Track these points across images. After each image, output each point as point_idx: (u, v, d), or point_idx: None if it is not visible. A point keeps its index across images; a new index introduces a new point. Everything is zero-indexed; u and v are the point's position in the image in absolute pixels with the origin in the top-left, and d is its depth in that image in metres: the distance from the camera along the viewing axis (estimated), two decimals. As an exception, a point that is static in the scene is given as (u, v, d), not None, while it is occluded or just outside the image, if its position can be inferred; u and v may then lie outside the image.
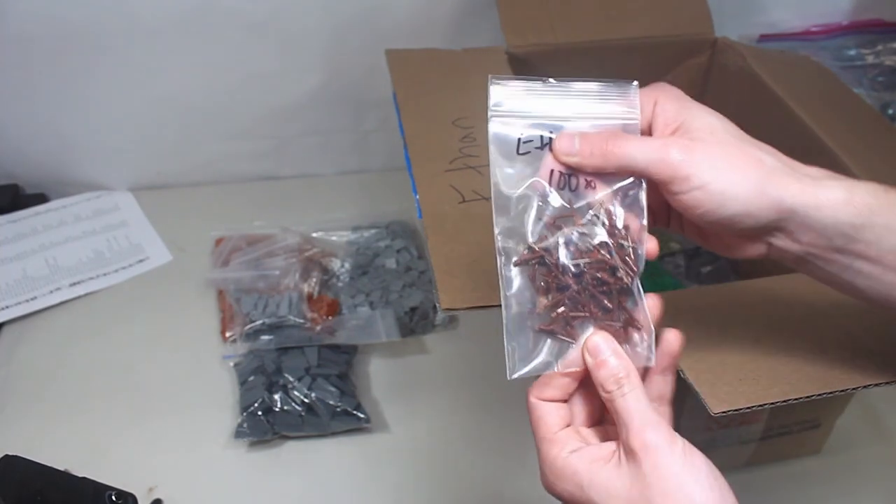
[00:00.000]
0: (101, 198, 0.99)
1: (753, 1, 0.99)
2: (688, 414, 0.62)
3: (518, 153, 0.39)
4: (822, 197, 0.37)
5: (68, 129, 0.93)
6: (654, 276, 0.78)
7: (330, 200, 0.99)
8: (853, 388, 0.47)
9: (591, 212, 0.39)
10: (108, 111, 0.93)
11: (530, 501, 0.69)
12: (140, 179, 1.00)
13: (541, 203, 0.39)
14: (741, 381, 0.46)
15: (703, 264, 0.82)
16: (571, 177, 0.39)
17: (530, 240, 0.39)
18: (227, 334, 0.79)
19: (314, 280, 0.83)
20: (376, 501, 0.69)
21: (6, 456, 0.55)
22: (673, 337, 0.39)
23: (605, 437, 0.40)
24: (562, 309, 0.38)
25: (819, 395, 0.46)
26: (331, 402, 0.72)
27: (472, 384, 0.79)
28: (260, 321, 0.77)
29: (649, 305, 0.40)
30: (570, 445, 0.38)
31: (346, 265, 0.87)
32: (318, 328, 0.77)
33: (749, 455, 0.69)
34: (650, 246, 0.40)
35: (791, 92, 0.71)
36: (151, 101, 0.93)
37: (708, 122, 0.39)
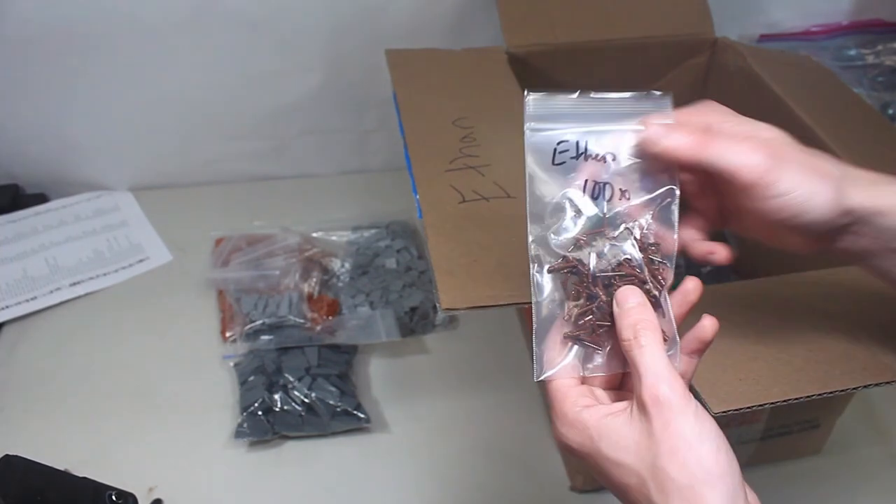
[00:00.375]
0: (101, 198, 0.99)
1: (753, 1, 0.99)
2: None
3: (553, 163, 0.41)
4: (885, 203, 0.40)
5: (68, 128, 0.93)
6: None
7: (330, 200, 0.99)
8: (853, 388, 0.47)
9: (623, 225, 0.40)
10: (108, 111, 0.93)
11: (530, 501, 0.69)
12: (140, 179, 1.00)
13: (574, 213, 0.40)
14: (741, 381, 0.46)
15: (703, 264, 0.82)
16: (606, 186, 0.40)
17: (562, 249, 0.40)
18: (227, 334, 0.79)
19: (314, 280, 0.83)
20: (376, 501, 0.69)
21: (6, 456, 0.55)
22: (709, 323, 0.40)
23: (618, 400, 0.40)
24: (589, 317, 0.39)
25: (819, 395, 0.46)
26: (331, 402, 0.72)
27: (472, 384, 0.79)
28: (260, 321, 0.77)
29: (689, 288, 0.41)
30: (583, 401, 0.38)
31: (346, 265, 0.87)
32: (318, 328, 0.77)
33: (749, 455, 0.69)
34: (723, 253, 0.42)
35: (791, 92, 0.71)
36: (151, 101, 0.93)
37: (776, 134, 0.41)
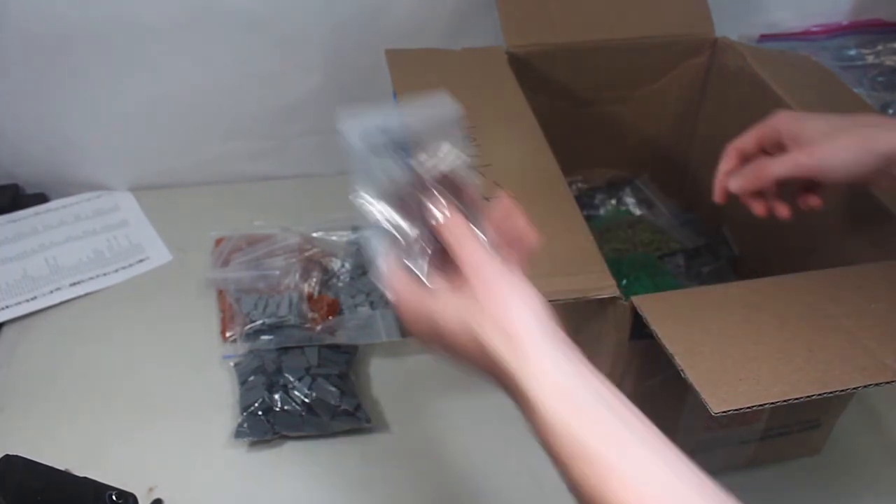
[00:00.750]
0: (102, 198, 0.99)
1: (753, 1, 0.99)
2: (688, 414, 0.62)
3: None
4: None
5: (68, 128, 0.93)
6: (655, 276, 0.78)
7: (330, 200, 0.99)
8: (853, 388, 0.47)
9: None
10: (108, 111, 0.93)
11: (530, 501, 0.69)
12: (140, 179, 1.00)
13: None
14: (741, 381, 0.46)
15: (703, 264, 0.82)
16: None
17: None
18: (227, 334, 0.79)
19: (314, 280, 0.83)
20: (376, 501, 0.69)
21: (6, 456, 0.55)
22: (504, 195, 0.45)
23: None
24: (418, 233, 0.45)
25: (819, 395, 0.46)
26: (331, 402, 0.72)
27: (472, 384, 0.78)
28: (260, 321, 0.77)
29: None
30: (418, 296, 0.43)
31: (346, 265, 0.87)
32: (319, 328, 0.77)
33: (749, 455, 0.69)
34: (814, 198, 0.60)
35: (791, 92, 0.71)
36: (152, 100, 0.93)
37: (820, 124, 0.56)
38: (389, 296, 0.44)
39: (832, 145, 0.53)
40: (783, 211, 0.59)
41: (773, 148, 0.58)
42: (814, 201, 0.59)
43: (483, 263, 0.41)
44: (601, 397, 0.36)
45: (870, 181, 0.56)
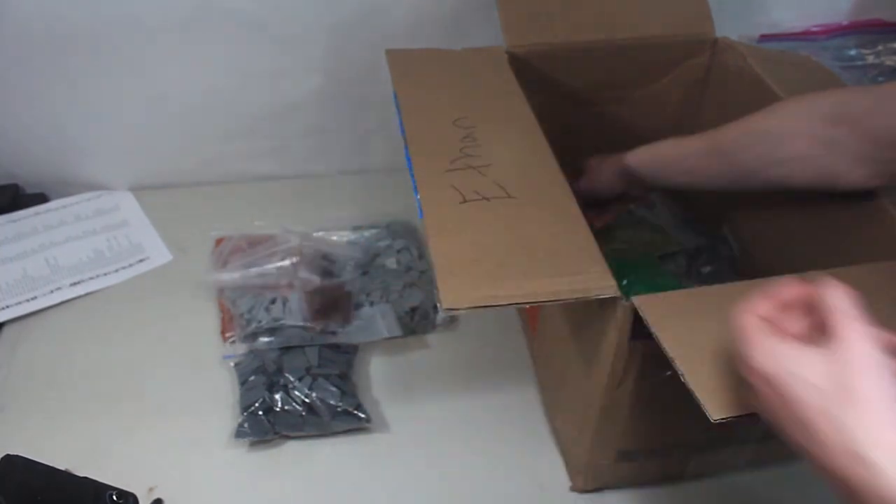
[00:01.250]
0: (102, 198, 0.99)
1: (753, 1, 0.99)
2: (687, 415, 0.62)
3: None
4: None
5: (68, 128, 0.93)
6: (655, 276, 0.78)
7: (330, 200, 0.99)
8: (853, 388, 0.46)
9: None
10: (108, 111, 0.93)
11: (530, 501, 0.69)
12: (140, 179, 1.00)
13: None
14: (741, 383, 0.46)
15: (703, 264, 0.82)
16: None
17: None
18: (227, 335, 0.79)
19: (314, 280, 0.83)
20: (376, 501, 0.69)
21: (6, 456, 0.55)
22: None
23: None
24: None
25: None
26: (331, 402, 0.72)
27: (472, 384, 0.79)
28: (259, 323, 0.77)
29: None
30: (775, 336, 0.41)
31: (347, 265, 0.87)
32: (319, 328, 0.77)
33: (749, 455, 0.69)
34: None
35: (791, 92, 0.71)
36: (152, 101, 0.93)
37: None
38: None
39: None
40: None
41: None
42: None
43: (859, 333, 0.38)
44: None
45: None
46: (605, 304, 0.53)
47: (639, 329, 0.51)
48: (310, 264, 0.84)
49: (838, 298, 0.41)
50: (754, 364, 0.41)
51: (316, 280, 0.82)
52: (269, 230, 0.89)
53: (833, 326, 0.39)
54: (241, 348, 0.77)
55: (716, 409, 0.44)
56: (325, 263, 0.85)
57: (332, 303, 0.80)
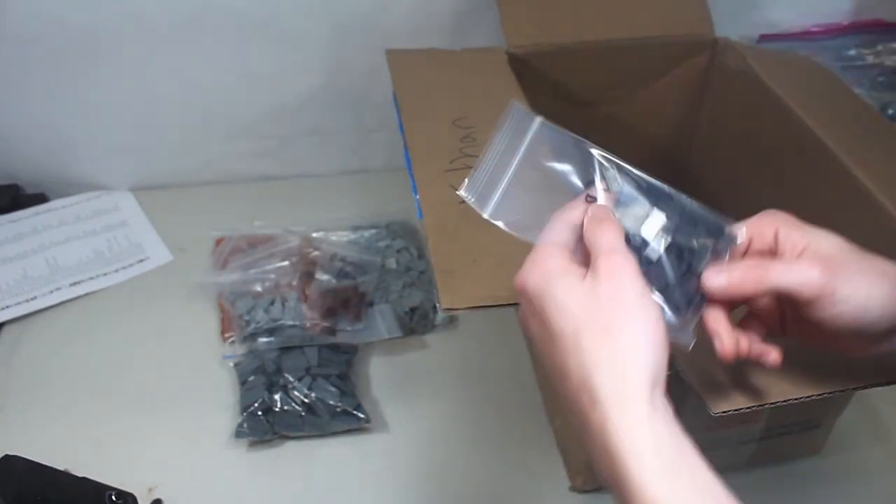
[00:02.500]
0: (101, 198, 0.99)
1: (753, 1, 0.99)
2: (688, 413, 0.62)
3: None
4: None
5: (68, 128, 0.93)
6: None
7: (330, 200, 0.99)
8: (853, 388, 0.47)
9: None
10: (108, 111, 0.93)
11: (530, 501, 0.69)
12: (140, 179, 1.00)
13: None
14: (741, 382, 0.46)
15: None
16: None
17: None
18: (227, 335, 0.79)
19: (314, 281, 0.83)
20: (376, 501, 0.69)
21: (6, 456, 0.55)
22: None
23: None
24: None
25: (819, 395, 0.46)
26: (331, 402, 0.72)
27: (472, 384, 0.79)
28: (258, 324, 0.77)
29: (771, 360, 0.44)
30: (555, 256, 0.41)
31: (347, 266, 0.87)
32: (318, 328, 0.77)
33: (749, 455, 0.69)
34: (773, 355, 0.44)
35: (791, 92, 0.71)
36: (151, 100, 0.93)
37: (833, 243, 0.42)
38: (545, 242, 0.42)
39: (858, 268, 0.41)
40: (774, 357, 0.44)
41: (762, 244, 0.45)
42: (774, 357, 0.44)
43: (622, 270, 0.38)
44: (708, 492, 0.35)
45: (886, 334, 0.42)
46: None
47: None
48: (309, 265, 0.84)
49: (598, 234, 0.40)
50: (522, 280, 0.41)
51: (331, 281, 0.82)
52: (269, 230, 0.89)
53: (593, 261, 0.39)
54: (241, 348, 0.77)
55: (716, 403, 0.44)
56: (341, 264, 0.85)
57: (342, 302, 0.80)
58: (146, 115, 0.94)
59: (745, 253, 0.44)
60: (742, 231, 0.44)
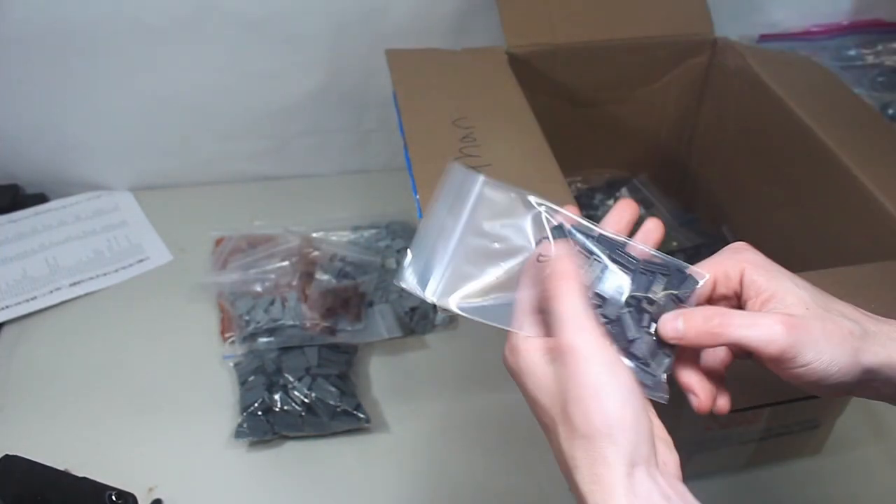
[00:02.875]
0: (101, 198, 0.99)
1: (753, 1, 0.99)
2: (689, 413, 0.62)
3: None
4: None
5: (68, 128, 0.93)
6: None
7: (330, 200, 0.99)
8: (853, 389, 0.46)
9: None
10: (108, 111, 0.93)
11: (530, 501, 0.69)
12: (140, 179, 1.00)
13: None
14: (741, 382, 0.46)
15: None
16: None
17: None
18: (227, 335, 0.79)
19: (314, 281, 0.83)
20: (376, 501, 0.69)
21: (6, 456, 0.55)
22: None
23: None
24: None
25: (818, 395, 0.46)
26: (331, 402, 0.72)
27: (471, 384, 0.79)
28: (258, 324, 0.77)
29: (650, 227, 0.43)
30: (530, 331, 0.40)
31: (347, 266, 0.87)
32: (318, 328, 0.77)
33: (749, 455, 0.69)
34: (723, 403, 0.43)
35: (791, 92, 0.71)
36: (151, 101, 0.93)
37: (799, 296, 0.41)
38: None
39: (822, 331, 0.39)
40: (723, 404, 0.43)
41: (726, 288, 0.43)
42: (723, 404, 0.43)
43: (580, 350, 0.36)
44: None
45: (846, 390, 0.42)
46: (604, 304, 0.53)
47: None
48: (309, 265, 0.84)
49: (556, 302, 0.38)
50: (504, 359, 0.41)
51: (331, 281, 0.82)
52: (269, 230, 0.89)
53: (555, 334, 0.37)
54: (241, 348, 0.77)
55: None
56: (341, 265, 0.85)
57: (342, 303, 0.80)
58: (146, 115, 0.94)
59: (710, 297, 0.42)
60: (704, 275, 0.42)
